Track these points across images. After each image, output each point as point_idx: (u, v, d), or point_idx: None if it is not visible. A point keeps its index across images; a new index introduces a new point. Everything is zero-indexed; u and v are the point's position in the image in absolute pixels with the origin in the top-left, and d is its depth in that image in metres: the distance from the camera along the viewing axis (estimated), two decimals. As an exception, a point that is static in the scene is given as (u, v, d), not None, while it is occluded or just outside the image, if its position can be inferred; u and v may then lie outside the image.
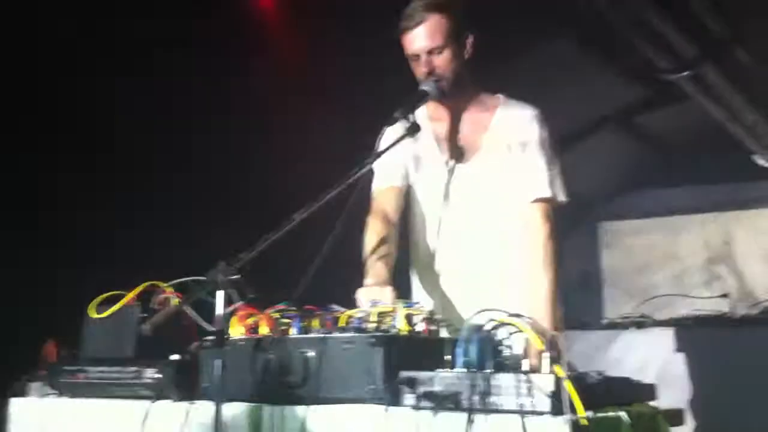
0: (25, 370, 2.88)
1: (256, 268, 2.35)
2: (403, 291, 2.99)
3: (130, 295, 2.67)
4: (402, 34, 3.07)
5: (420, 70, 3.05)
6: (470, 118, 3.19)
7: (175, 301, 2.61)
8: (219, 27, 4.51)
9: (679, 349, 5.06)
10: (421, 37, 3.02)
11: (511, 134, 3.13)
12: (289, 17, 4.93)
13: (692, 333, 5.19)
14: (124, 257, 3.98)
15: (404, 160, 3.21)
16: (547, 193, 3.09)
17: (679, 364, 4.96)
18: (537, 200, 3.09)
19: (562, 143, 6.25)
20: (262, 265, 2.37)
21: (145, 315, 2.59)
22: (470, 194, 3.15)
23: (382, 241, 3.10)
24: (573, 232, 7.91)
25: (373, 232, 3.13)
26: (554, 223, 3.09)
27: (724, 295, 6.33)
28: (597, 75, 6.00)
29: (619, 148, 7.48)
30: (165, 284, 2.67)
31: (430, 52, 3.02)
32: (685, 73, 5.30)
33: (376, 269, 3.00)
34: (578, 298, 7.14)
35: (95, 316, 2.70)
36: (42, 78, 3.99)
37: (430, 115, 3.15)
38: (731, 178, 7.49)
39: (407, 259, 3.31)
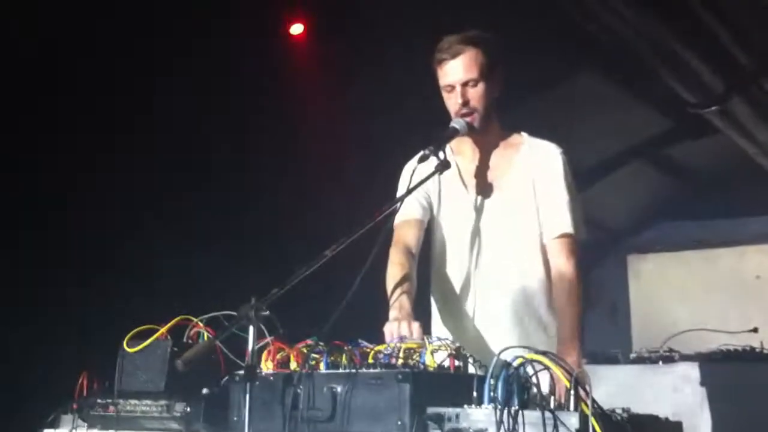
0: (58, 403, 2.92)
1: (286, 303, 2.38)
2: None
3: (163, 330, 2.71)
4: (438, 66, 3.12)
5: (454, 101, 3.10)
6: (496, 154, 3.23)
7: (206, 335, 2.65)
8: (250, 63, 4.60)
9: (708, 385, 4.99)
10: (458, 70, 3.07)
11: (535, 171, 3.17)
12: (319, 49, 5.02)
13: (721, 368, 5.12)
14: (159, 292, 4.03)
15: (426, 194, 3.25)
16: (569, 229, 3.12)
17: (707, 399, 4.90)
18: (561, 236, 3.12)
19: (590, 176, 6.32)
20: (292, 301, 2.40)
21: (177, 349, 2.63)
22: (495, 229, 3.18)
23: (405, 275, 3.12)
24: (601, 265, 7.89)
25: (395, 266, 3.15)
26: (578, 257, 3.11)
27: (755, 330, 6.25)
28: (625, 108, 6.02)
29: (648, 181, 7.47)
30: (197, 319, 2.71)
31: (464, 84, 3.08)
32: (713, 108, 5.30)
33: (400, 303, 3.01)
34: (606, 331, 7.12)
35: (129, 349, 2.74)
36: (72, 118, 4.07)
37: (452, 149, 3.19)
38: (761, 211, 7.45)
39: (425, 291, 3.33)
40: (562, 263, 3.10)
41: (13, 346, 3.65)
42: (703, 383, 5.01)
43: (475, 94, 3.09)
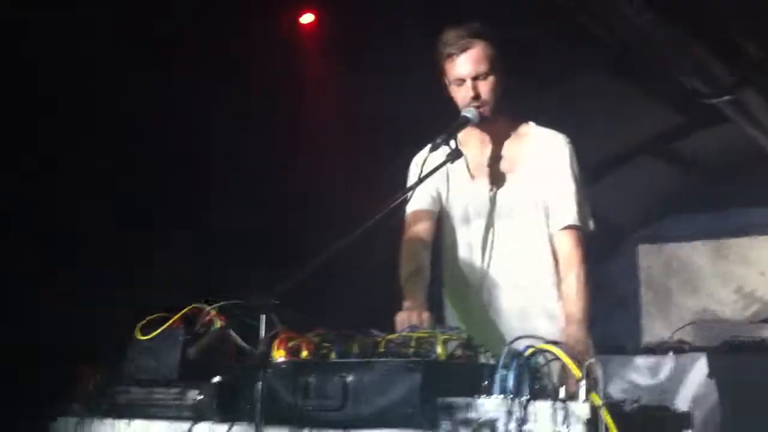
0: (70, 391, 2.93)
1: (297, 292, 2.39)
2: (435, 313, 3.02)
3: (175, 318, 2.72)
4: (446, 60, 3.11)
5: (464, 95, 3.10)
6: (504, 144, 3.23)
7: (218, 324, 2.67)
8: (259, 53, 4.60)
9: (718, 376, 5.00)
10: (468, 63, 3.07)
11: (542, 161, 3.17)
12: (329, 39, 5.01)
13: (731, 359, 5.13)
14: (168, 279, 4.05)
15: (436, 185, 3.26)
16: (576, 221, 3.12)
17: (717, 391, 4.91)
18: (567, 227, 3.12)
19: (599, 169, 6.31)
20: (303, 290, 2.41)
21: (189, 337, 2.65)
22: (504, 220, 3.18)
23: (418, 265, 3.15)
24: (611, 256, 7.88)
25: (408, 256, 3.18)
26: (585, 249, 3.11)
27: (765, 321, 6.25)
28: (633, 101, 6.00)
29: (657, 173, 7.45)
30: (209, 307, 2.72)
31: (475, 78, 3.08)
32: (725, 98, 5.28)
33: (413, 293, 3.04)
34: (616, 323, 7.12)
35: (140, 338, 2.75)
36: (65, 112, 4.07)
37: (460, 140, 3.16)
38: (771, 201, 7.43)
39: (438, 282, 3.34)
40: (569, 254, 3.11)
41: (23, 336, 3.67)
42: (712, 374, 5.01)
43: (486, 87, 3.09)
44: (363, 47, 4.81)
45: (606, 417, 1.89)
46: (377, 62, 4.80)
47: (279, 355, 2.44)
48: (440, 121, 3.04)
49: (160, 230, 4.30)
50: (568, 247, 3.11)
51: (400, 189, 2.99)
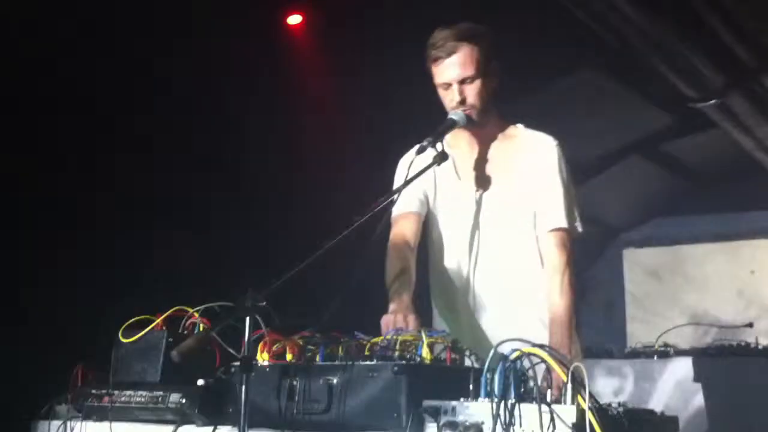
0: (53, 393, 2.91)
1: (283, 295, 2.37)
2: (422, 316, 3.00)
3: (159, 320, 2.71)
4: (432, 63, 3.09)
5: (451, 98, 3.08)
6: (493, 146, 3.22)
7: (202, 327, 2.65)
8: (247, 54, 4.59)
9: (703, 379, 5.02)
10: (454, 67, 3.05)
11: (530, 163, 3.15)
12: (317, 40, 5.00)
13: (717, 363, 5.15)
14: (155, 283, 4.03)
15: (423, 187, 3.24)
16: (563, 224, 3.11)
17: (702, 394, 4.92)
18: (554, 230, 3.11)
19: (588, 171, 6.32)
20: (289, 292, 2.40)
21: (172, 340, 2.63)
22: (492, 222, 3.17)
23: (404, 268, 3.13)
24: (598, 260, 7.89)
25: (394, 259, 3.16)
26: (571, 251, 3.10)
27: (750, 325, 6.28)
28: (624, 103, 6.01)
29: (645, 176, 7.47)
30: (193, 309, 2.70)
31: (462, 82, 3.05)
32: (712, 102, 5.28)
33: (398, 296, 3.03)
34: (602, 326, 7.13)
35: (124, 340, 2.73)
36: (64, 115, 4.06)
37: (449, 142, 3.13)
38: (758, 206, 7.46)
39: (425, 285, 3.33)
40: (555, 256, 3.09)
41: (7, 337, 3.65)
42: (697, 378, 5.03)
43: (472, 90, 3.07)
44: (352, 47, 4.80)
45: (592, 420, 1.88)
46: (367, 61, 4.79)
47: (263, 358, 2.43)
48: (432, 121, 3.03)
49: (161, 230, 4.28)
50: (555, 249, 3.10)
51: (389, 190, 2.98)
